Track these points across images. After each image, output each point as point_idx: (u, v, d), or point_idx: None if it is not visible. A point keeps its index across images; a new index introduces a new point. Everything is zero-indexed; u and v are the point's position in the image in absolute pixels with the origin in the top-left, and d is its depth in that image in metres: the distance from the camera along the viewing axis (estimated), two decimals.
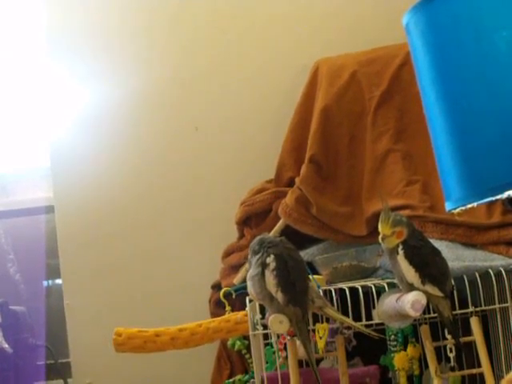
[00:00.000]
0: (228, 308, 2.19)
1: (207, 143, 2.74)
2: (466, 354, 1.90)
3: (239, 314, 2.03)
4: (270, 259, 1.74)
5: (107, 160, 2.75)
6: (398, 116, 2.38)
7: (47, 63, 2.80)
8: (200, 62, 2.76)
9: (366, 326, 1.85)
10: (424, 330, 1.80)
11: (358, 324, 1.82)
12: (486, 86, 1.18)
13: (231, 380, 2.29)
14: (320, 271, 2.15)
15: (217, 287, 2.47)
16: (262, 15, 2.77)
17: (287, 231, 2.30)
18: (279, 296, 1.72)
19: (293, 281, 1.72)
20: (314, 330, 1.85)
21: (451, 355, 1.83)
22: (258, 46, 2.76)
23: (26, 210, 2.92)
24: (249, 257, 1.82)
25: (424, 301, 1.69)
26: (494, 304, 1.92)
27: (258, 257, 1.77)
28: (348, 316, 1.84)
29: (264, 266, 1.74)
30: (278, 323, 1.71)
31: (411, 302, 1.68)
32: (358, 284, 1.96)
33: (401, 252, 1.73)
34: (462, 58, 1.21)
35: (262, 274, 1.74)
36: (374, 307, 1.88)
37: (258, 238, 1.82)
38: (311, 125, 2.41)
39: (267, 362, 2.02)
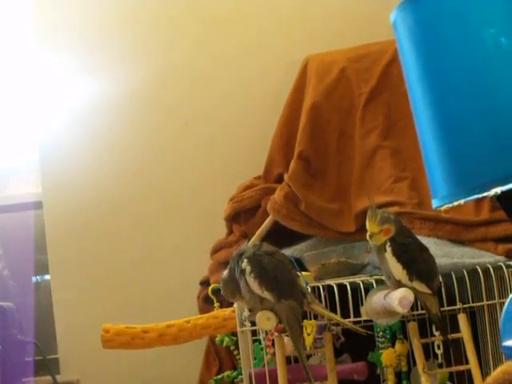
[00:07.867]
0: (216, 304, 2.19)
1: (197, 139, 2.73)
2: (454, 351, 1.90)
3: (227, 311, 2.03)
4: (245, 264, 1.74)
5: (96, 156, 2.75)
6: (386, 112, 2.38)
7: (37, 58, 2.79)
8: (189, 58, 2.76)
9: (354, 323, 1.85)
10: (412, 327, 1.80)
11: (346, 321, 1.82)
12: (473, 83, 1.17)
13: (220, 376, 2.29)
14: (308, 268, 2.15)
15: (205, 283, 2.47)
16: (252, 11, 2.76)
17: (276, 228, 2.30)
18: (267, 295, 1.72)
19: (273, 275, 1.72)
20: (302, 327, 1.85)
21: (439, 352, 1.84)
22: (247, 42, 2.75)
23: (14, 206, 2.91)
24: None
25: (411, 297, 1.69)
26: (482, 301, 1.93)
27: (235, 267, 1.77)
28: (336, 313, 1.84)
29: (243, 272, 1.74)
30: (266, 320, 1.71)
31: (399, 298, 1.68)
32: (346, 280, 1.96)
33: (388, 249, 1.73)
34: (449, 55, 1.20)
35: (245, 280, 1.74)
36: (362, 304, 1.88)
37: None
38: (300, 121, 2.41)
39: (255, 359, 2.02)
